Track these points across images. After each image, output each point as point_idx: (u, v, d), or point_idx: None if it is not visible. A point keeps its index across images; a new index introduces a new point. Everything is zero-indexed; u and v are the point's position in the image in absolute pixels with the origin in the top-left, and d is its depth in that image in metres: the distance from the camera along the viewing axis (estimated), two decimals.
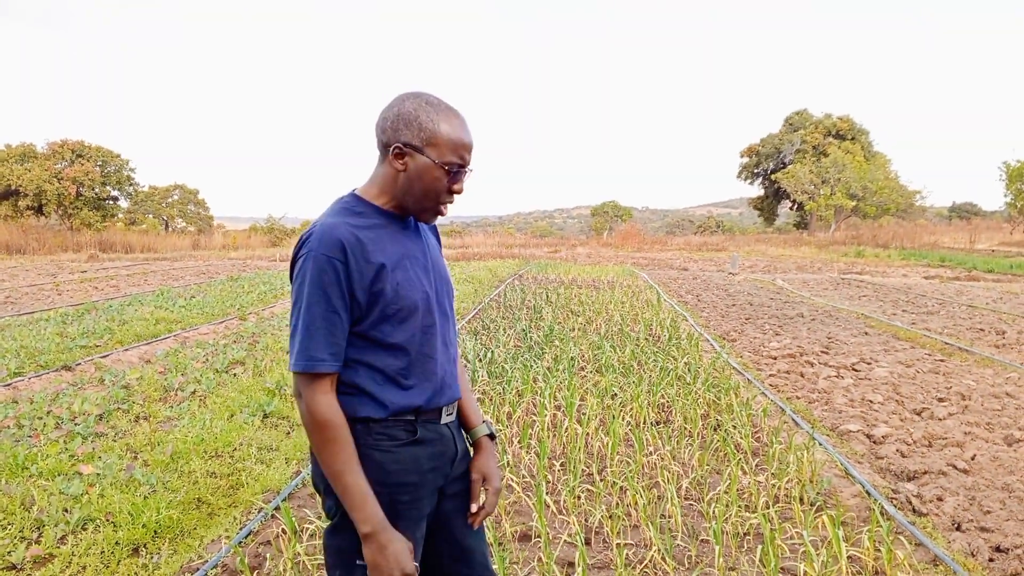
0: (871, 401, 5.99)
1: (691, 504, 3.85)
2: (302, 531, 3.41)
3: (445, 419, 1.73)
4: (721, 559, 3.10)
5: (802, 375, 7.06)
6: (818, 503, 3.83)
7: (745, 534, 3.48)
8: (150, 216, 47.31)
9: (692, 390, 5.66)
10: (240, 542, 3.39)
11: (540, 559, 3.18)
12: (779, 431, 4.67)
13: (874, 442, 4.98)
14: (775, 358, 7.87)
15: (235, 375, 6.80)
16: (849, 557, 3.17)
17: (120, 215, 44.14)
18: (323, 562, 3.14)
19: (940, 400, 6.06)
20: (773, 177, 52.47)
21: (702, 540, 3.43)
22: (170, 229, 47.41)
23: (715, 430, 5.01)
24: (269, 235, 40.58)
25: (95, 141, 43.46)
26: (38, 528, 3.53)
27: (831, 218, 47.26)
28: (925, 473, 4.32)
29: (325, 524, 3.46)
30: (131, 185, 43.28)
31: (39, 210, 39.08)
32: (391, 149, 1.62)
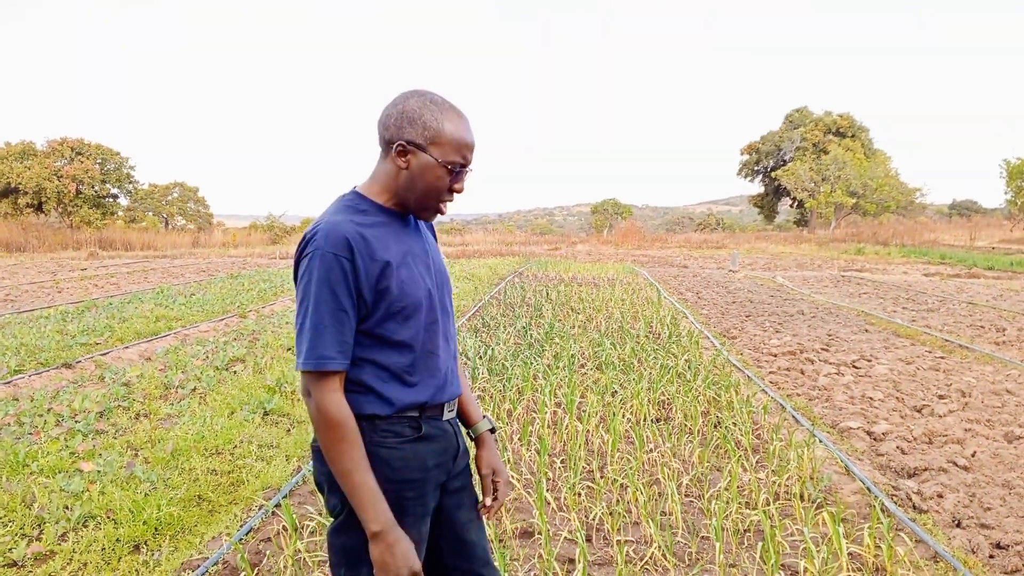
0: (871, 398, 5.99)
1: (691, 501, 3.86)
2: (303, 528, 3.41)
3: (447, 415, 1.74)
4: (721, 556, 3.10)
5: (802, 372, 7.06)
6: (818, 500, 3.83)
7: (745, 531, 3.48)
8: (150, 214, 47.31)
9: (692, 387, 5.66)
10: (241, 539, 3.39)
11: (541, 556, 3.19)
12: (779, 428, 4.67)
13: (874, 439, 4.98)
14: (775, 355, 7.87)
15: (235, 372, 6.80)
16: (849, 554, 3.17)
17: (120, 213, 44.14)
18: (324, 559, 3.15)
19: (940, 397, 6.06)
20: (773, 174, 52.46)
21: (702, 537, 3.43)
22: (170, 227, 47.41)
23: (715, 427, 5.01)
24: (269, 233, 40.57)
25: (95, 139, 43.55)
26: (39, 525, 3.53)
27: (831, 215, 47.26)
28: (925, 470, 4.32)
29: (326, 521, 3.46)
30: (131, 183, 43.27)
31: (39, 208, 39.09)
32: (394, 146, 1.62)
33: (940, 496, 3.92)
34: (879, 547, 3.19)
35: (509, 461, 4.25)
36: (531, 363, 6.36)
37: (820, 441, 4.74)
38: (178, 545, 3.39)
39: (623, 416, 5.10)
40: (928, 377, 6.79)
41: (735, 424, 4.97)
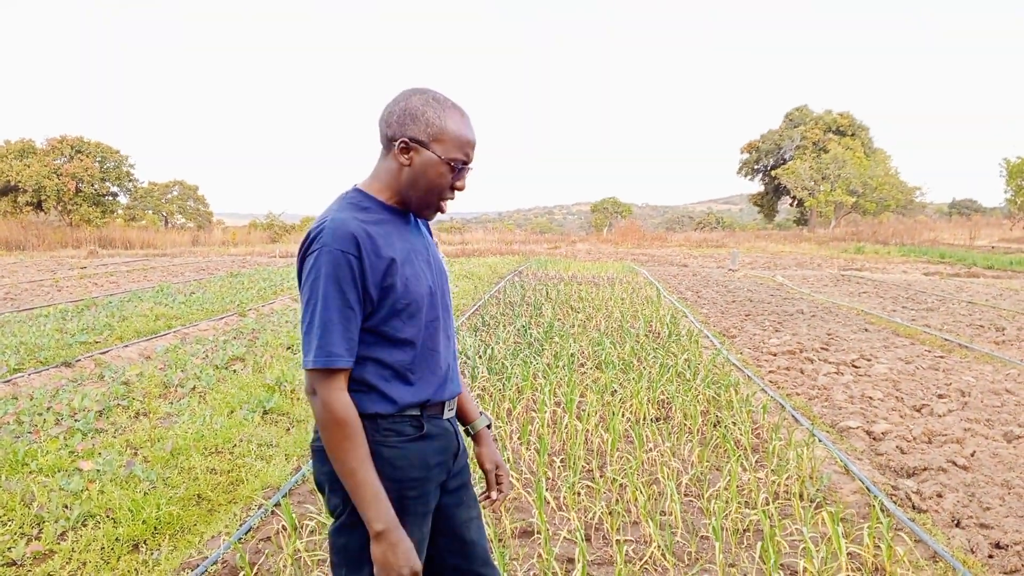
0: (871, 398, 5.99)
1: (691, 500, 3.85)
2: (302, 527, 3.41)
3: (447, 414, 1.75)
4: (721, 555, 3.10)
5: (802, 372, 7.06)
6: (818, 500, 3.83)
7: (745, 530, 3.48)
8: (150, 212, 47.31)
9: (692, 386, 5.66)
10: (240, 538, 3.39)
11: (540, 555, 3.19)
12: (779, 428, 4.67)
13: (874, 439, 4.98)
14: (775, 354, 7.87)
15: (235, 371, 6.80)
16: (849, 554, 3.17)
17: (119, 211, 44.14)
18: (323, 558, 3.15)
19: (940, 397, 6.06)
20: (773, 173, 52.46)
21: (702, 536, 3.43)
22: (170, 225, 47.42)
23: (715, 426, 5.01)
24: (269, 231, 40.58)
25: (94, 137, 43.52)
26: (38, 524, 3.53)
27: (831, 214, 47.26)
28: (925, 470, 4.32)
29: (326, 520, 3.46)
30: (130, 181, 43.27)
31: (38, 206, 39.08)
32: (397, 143, 1.62)
33: (939, 496, 3.92)
34: (878, 547, 3.19)
35: (509, 460, 4.24)
36: (531, 362, 6.36)
37: (819, 441, 4.74)
38: (177, 544, 3.39)
39: (623, 415, 5.10)
40: (927, 376, 6.80)
41: (735, 423, 4.97)
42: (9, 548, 3.25)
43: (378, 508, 1.52)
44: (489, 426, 1.94)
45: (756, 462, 4.36)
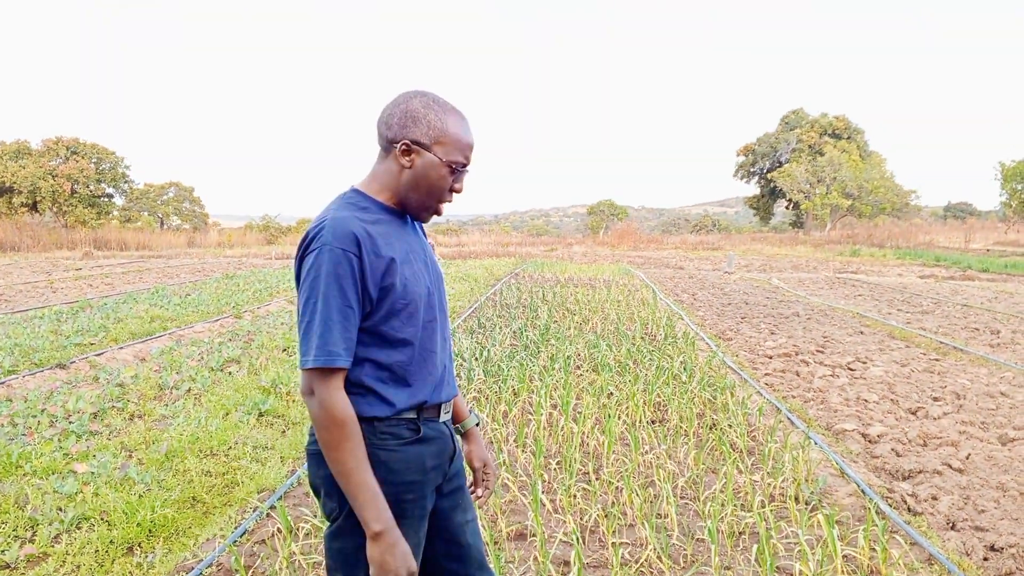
0: (866, 400, 6.00)
1: (687, 503, 3.85)
2: (298, 530, 3.40)
3: (443, 416, 1.75)
4: (717, 558, 3.10)
5: (798, 374, 7.07)
6: (813, 502, 3.83)
7: (741, 533, 3.49)
8: (145, 214, 47.20)
9: (688, 389, 5.66)
10: (235, 541, 3.38)
11: (536, 558, 3.18)
12: (775, 430, 4.67)
13: (869, 441, 4.98)
14: (771, 357, 7.88)
15: (230, 373, 6.78)
16: (844, 556, 3.18)
17: (115, 212, 44.05)
18: (319, 561, 3.14)
19: (935, 399, 6.07)
20: (769, 176, 52.59)
21: (698, 539, 3.43)
22: (165, 227, 47.32)
23: (711, 429, 5.02)
24: (264, 233, 40.55)
25: (90, 138, 43.44)
26: (32, 527, 3.52)
27: (827, 217, 47.37)
28: (920, 472, 4.33)
29: (321, 523, 3.45)
30: (126, 182, 43.20)
31: (34, 207, 38.97)
32: (398, 145, 1.62)
33: (935, 498, 3.92)
34: (874, 549, 3.19)
35: (504, 463, 4.24)
36: (527, 364, 6.35)
37: (815, 443, 4.74)
38: (172, 547, 3.37)
39: (619, 418, 5.10)
40: (923, 379, 6.81)
41: (730, 426, 4.97)
42: (3, 551, 3.24)
43: (376, 509, 1.51)
44: (478, 424, 1.97)
45: (752, 465, 4.37)
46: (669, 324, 9.08)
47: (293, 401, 5.85)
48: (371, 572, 1.52)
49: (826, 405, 5.86)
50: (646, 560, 3.19)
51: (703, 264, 24.98)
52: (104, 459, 4.31)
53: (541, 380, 5.82)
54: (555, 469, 4.29)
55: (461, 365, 6.47)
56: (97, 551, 3.28)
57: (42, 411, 5.37)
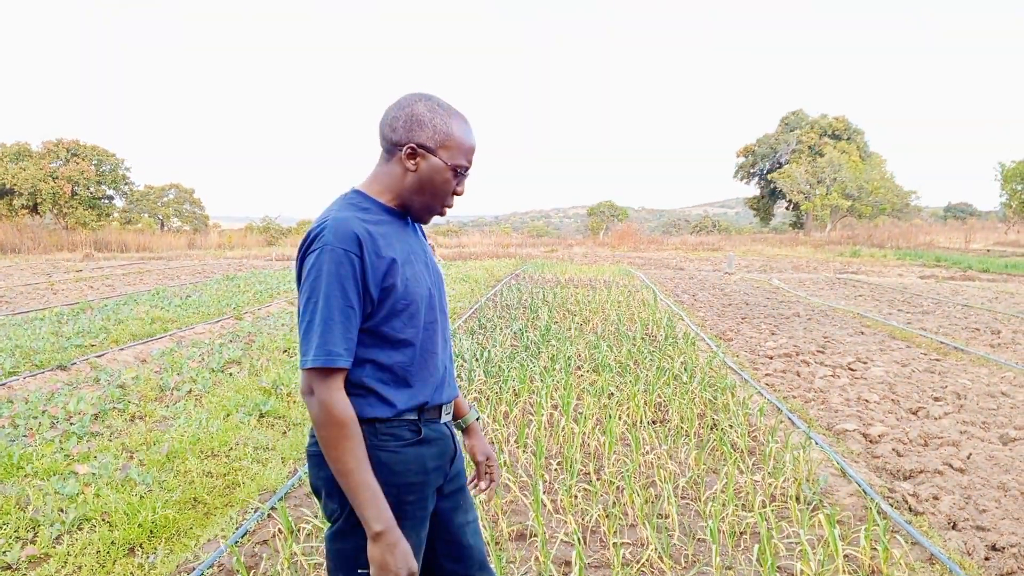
0: (867, 400, 6.00)
1: (688, 503, 3.85)
2: (299, 531, 3.40)
3: (444, 417, 1.75)
4: (718, 558, 3.10)
5: (798, 374, 7.07)
6: (814, 502, 3.83)
7: (742, 533, 3.49)
8: (146, 215, 47.21)
9: (688, 389, 5.66)
10: (236, 542, 3.38)
11: (537, 558, 3.18)
12: (775, 430, 4.67)
13: (870, 441, 4.98)
14: (771, 357, 7.88)
15: (231, 374, 6.78)
16: (845, 556, 3.18)
17: (115, 214, 44.06)
18: (320, 562, 3.14)
19: (936, 399, 6.07)
20: (769, 177, 52.58)
21: (699, 539, 3.43)
22: (166, 228, 47.32)
23: (712, 429, 5.02)
24: (265, 234, 40.57)
25: (90, 140, 43.50)
26: (33, 528, 3.52)
27: (827, 218, 47.37)
28: (921, 472, 4.33)
29: (322, 524, 3.45)
30: (126, 184, 43.20)
31: (34, 209, 38.97)
32: (404, 149, 1.63)
33: (936, 498, 3.92)
34: (875, 549, 3.19)
35: (505, 463, 4.24)
36: (527, 365, 6.35)
37: (816, 443, 4.75)
38: (173, 548, 3.37)
39: (619, 418, 5.10)
40: (923, 379, 6.81)
41: (731, 426, 4.97)
42: (4, 552, 3.24)
43: (376, 509, 1.51)
44: (478, 419, 1.99)
45: (753, 465, 4.37)
46: (669, 325, 9.08)
47: (294, 402, 5.85)
48: (371, 572, 1.52)
49: (827, 405, 5.86)
50: (647, 560, 3.19)
51: (703, 265, 24.98)
52: (105, 460, 4.31)
53: (542, 381, 5.82)
54: (556, 469, 4.29)
55: (462, 366, 6.48)
56: (98, 552, 3.29)
57: (43, 412, 5.37)
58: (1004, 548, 3.33)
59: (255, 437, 4.91)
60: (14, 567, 3.17)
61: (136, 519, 3.54)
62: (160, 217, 48.59)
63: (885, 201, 47.17)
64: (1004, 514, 3.71)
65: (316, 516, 3.52)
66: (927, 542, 3.33)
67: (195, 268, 22.13)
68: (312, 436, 1.63)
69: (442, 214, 1.73)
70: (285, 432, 5.15)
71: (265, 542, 3.39)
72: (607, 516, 3.54)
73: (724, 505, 3.66)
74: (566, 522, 3.55)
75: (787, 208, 54.63)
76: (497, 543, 3.36)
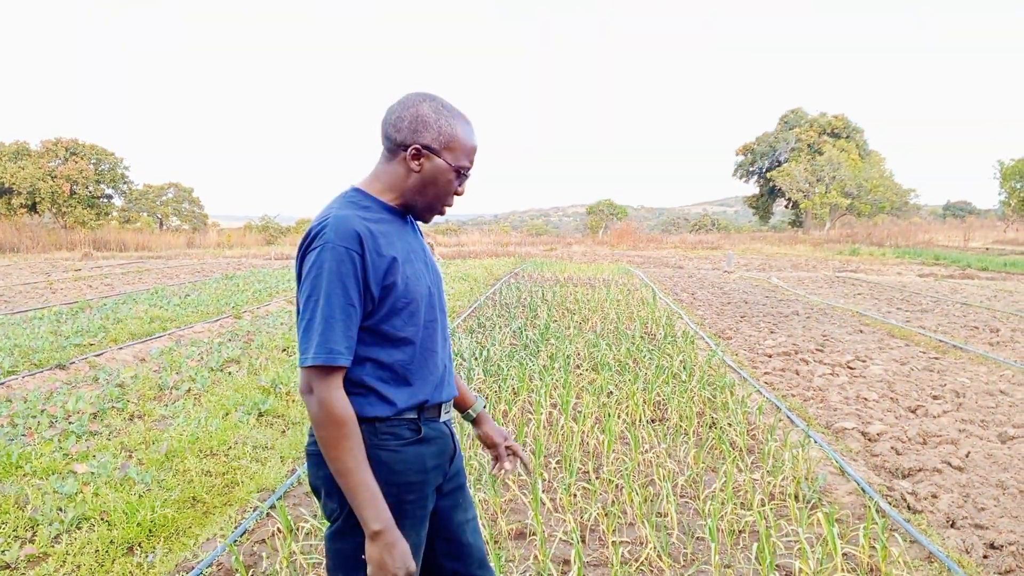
0: (866, 399, 6.00)
1: (687, 502, 3.86)
2: (298, 530, 3.40)
3: (444, 416, 1.75)
4: (717, 556, 3.10)
5: (797, 373, 7.07)
6: (813, 500, 3.83)
7: (741, 532, 3.49)
8: (144, 214, 47.17)
9: (687, 388, 5.67)
10: (235, 541, 3.38)
11: (536, 557, 3.18)
12: (774, 429, 4.68)
13: (869, 440, 4.99)
14: (770, 356, 7.89)
15: (230, 373, 6.78)
16: (844, 554, 3.18)
17: (114, 213, 44.02)
18: (318, 561, 3.14)
19: (935, 398, 6.07)
20: (768, 175, 52.58)
21: (698, 538, 3.43)
22: (165, 227, 47.29)
23: (710, 428, 5.02)
24: (264, 233, 40.55)
25: (89, 139, 43.46)
26: (32, 527, 3.52)
27: (826, 216, 47.37)
28: (920, 470, 4.33)
29: (321, 523, 3.45)
30: (125, 183, 43.16)
31: (33, 208, 38.94)
32: (409, 149, 1.63)
33: (934, 496, 3.93)
34: (874, 547, 3.19)
35: None
36: (527, 364, 6.35)
37: (815, 442, 4.75)
38: (172, 547, 3.37)
39: (618, 417, 5.10)
40: (922, 378, 6.81)
41: (730, 425, 4.98)
42: (3, 551, 3.24)
43: (375, 508, 1.51)
44: (484, 406, 2.01)
45: (752, 463, 4.37)
46: (668, 323, 9.08)
47: (293, 401, 5.85)
48: (369, 571, 1.52)
49: (826, 404, 5.87)
50: (646, 559, 3.19)
51: (702, 263, 24.99)
52: (104, 459, 4.31)
53: (541, 379, 5.82)
54: (555, 468, 4.30)
55: (461, 364, 6.48)
56: (97, 551, 3.29)
57: (42, 411, 5.37)
58: (1003, 546, 3.33)
59: (254, 436, 4.91)
60: (13, 566, 3.17)
61: (135, 518, 3.54)
62: (159, 216, 48.55)
63: (884, 199, 47.19)
64: (1003, 512, 3.71)
65: (315, 515, 3.52)
66: (926, 540, 3.33)
67: (194, 267, 22.12)
68: (311, 435, 1.63)
69: (443, 213, 1.74)
70: (284, 431, 5.15)
71: (264, 541, 3.39)
72: (606, 515, 3.54)
73: (723, 503, 3.66)
74: (565, 521, 3.55)
75: (786, 206, 54.63)
76: (496, 542, 3.36)
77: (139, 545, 3.38)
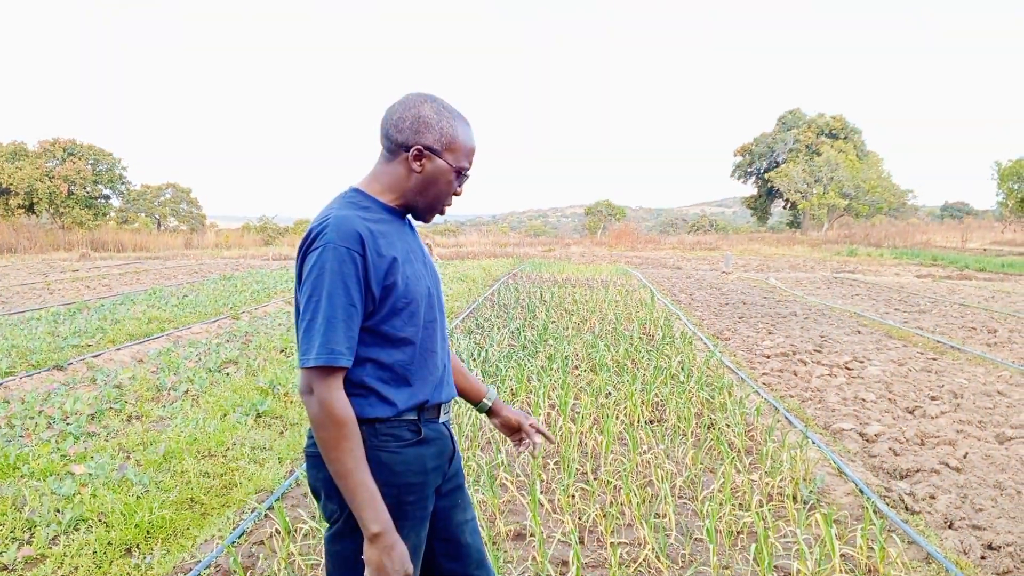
0: (864, 400, 6.01)
1: (685, 503, 3.86)
2: (296, 531, 3.40)
3: (443, 417, 1.74)
4: (715, 557, 3.11)
5: (795, 374, 7.08)
6: (811, 501, 3.84)
7: (739, 532, 3.49)
8: (142, 215, 47.10)
9: (686, 389, 5.67)
10: (233, 542, 3.38)
11: (534, 558, 3.18)
12: (772, 430, 4.68)
13: (867, 440, 4.99)
14: (768, 357, 7.89)
15: (228, 374, 6.77)
16: (842, 555, 3.18)
17: (112, 214, 43.96)
18: (317, 562, 3.14)
19: (932, 398, 6.08)
20: (766, 176, 52.65)
21: (696, 539, 3.43)
22: (162, 228, 47.22)
23: (709, 429, 5.02)
24: (262, 234, 40.53)
25: (87, 139, 43.42)
26: (30, 529, 3.51)
27: (824, 217, 47.43)
28: (918, 471, 4.33)
29: (319, 524, 3.45)
30: (123, 184, 43.11)
31: (30, 208, 38.89)
32: (410, 150, 1.64)
33: (932, 497, 3.93)
34: (872, 548, 3.20)
35: (503, 463, 4.24)
36: (525, 365, 6.36)
37: (813, 442, 4.75)
38: (170, 548, 3.37)
39: (617, 418, 5.10)
40: (920, 378, 6.82)
41: (728, 426, 4.98)
42: (0, 552, 3.23)
43: (374, 510, 1.51)
44: (497, 394, 2.04)
45: (750, 464, 4.37)
46: (667, 324, 9.08)
47: (291, 402, 5.84)
48: (367, 573, 1.51)
49: (824, 404, 5.87)
50: (644, 560, 3.19)
51: (700, 264, 25.01)
52: (102, 460, 4.30)
53: (539, 380, 5.82)
54: (553, 469, 4.30)
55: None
56: (95, 552, 3.28)
57: (39, 413, 5.36)
58: (1000, 547, 3.34)
59: (252, 437, 4.91)
60: (10, 568, 3.16)
61: (133, 519, 3.53)
62: (157, 217, 48.48)
63: (882, 200, 47.26)
64: (1000, 513, 3.72)
65: (313, 516, 3.51)
66: (923, 541, 3.33)
67: (192, 268, 22.10)
68: (310, 437, 1.63)
69: (442, 213, 1.76)
70: (282, 432, 5.14)
71: (262, 542, 3.39)
72: (604, 516, 3.54)
73: (721, 504, 3.66)
74: (563, 522, 3.55)
75: (784, 207, 54.70)
76: (494, 543, 3.36)
77: (137, 546, 3.38)
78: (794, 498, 3.87)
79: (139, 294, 13.45)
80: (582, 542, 3.40)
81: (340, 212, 1.57)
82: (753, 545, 3.18)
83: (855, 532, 3.37)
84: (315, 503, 3.53)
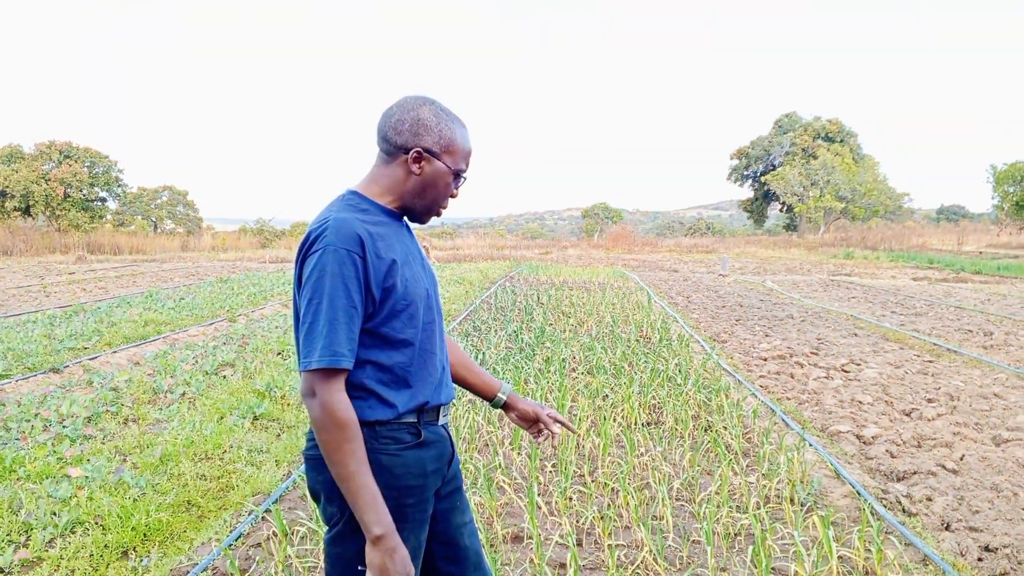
0: (861, 402, 6.02)
1: (682, 505, 3.86)
2: (293, 533, 3.40)
3: (442, 420, 1.75)
4: (712, 559, 3.11)
5: (792, 376, 7.09)
6: (808, 503, 3.84)
7: (736, 534, 3.49)
8: (139, 217, 47.00)
9: (683, 391, 5.67)
10: (230, 545, 3.37)
11: (532, 560, 3.18)
12: (769, 432, 4.68)
13: (864, 443, 5.00)
14: (765, 359, 7.90)
15: (225, 377, 6.76)
16: (839, 557, 3.19)
17: (108, 216, 43.86)
18: (314, 565, 3.14)
19: (929, 401, 6.09)
20: (763, 179, 52.74)
21: (693, 541, 3.44)
22: (159, 230, 47.13)
23: (706, 431, 5.03)
24: (259, 237, 40.49)
25: (83, 142, 43.28)
26: (26, 531, 3.50)
27: (820, 220, 47.52)
28: (914, 473, 4.34)
29: (317, 526, 3.44)
30: (119, 186, 43.01)
31: (26, 211, 38.79)
32: (410, 153, 1.65)
33: (929, 499, 3.94)
34: (869, 550, 3.20)
35: (500, 465, 4.24)
36: (522, 367, 6.36)
37: (810, 445, 4.76)
38: (167, 551, 3.36)
39: (614, 420, 5.11)
40: (917, 381, 6.83)
41: (725, 428, 4.98)
42: None
43: (376, 512, 1.50)
44: (512, 388, 2.03)
45: (747, 466, 4.38)
46: (664, 326, 9.09)
47: (288, 405, 5.83)
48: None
49: (820, 407, 5.88)
50: (642, 562, 3.19)
51: (697, 267, 25.04)
52: (98, 463, 4.29)
53: (536, 383, 5.82)
54: (551, 471, 4.30)
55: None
56: (92, 555, 3.27)
57: (36, 415, 5.35)
58: (997, 549, 3.34)
59: (249, 440, 4.90)
60: (6, 571, 3.15)
61: (129, 522, 3.52)
62: (153, 219, 48.38)
63: (878, 203, 47.37)
64: (997, 515, 3.73)
65: (310, 519, 3.51)
66: (920, 543, 3.34)
67: (188, 270, 22.07)
68: (310, 439, 1.62)
69: (439, 215, 1.76)
70: (279, 435, 5.14)
71: (259, 545, 3.38)
72: (602, 518, 3.54)
73: (718, 507, 3.67)
74: (561, 524, 3.55)
75: (780, 210, 54.79)
76: (492, 545, 3.36)
77: (134, 549, 3.37)
78: (791, 500, 3.87)
79: (135, 297, 13.42)
80: (580, 544, 3.40)
81: (339, 214, 1.58)
82: (751, 547, 3.18)
83: (852, 534, 3.38)
84: (313, 505, 3.53)
